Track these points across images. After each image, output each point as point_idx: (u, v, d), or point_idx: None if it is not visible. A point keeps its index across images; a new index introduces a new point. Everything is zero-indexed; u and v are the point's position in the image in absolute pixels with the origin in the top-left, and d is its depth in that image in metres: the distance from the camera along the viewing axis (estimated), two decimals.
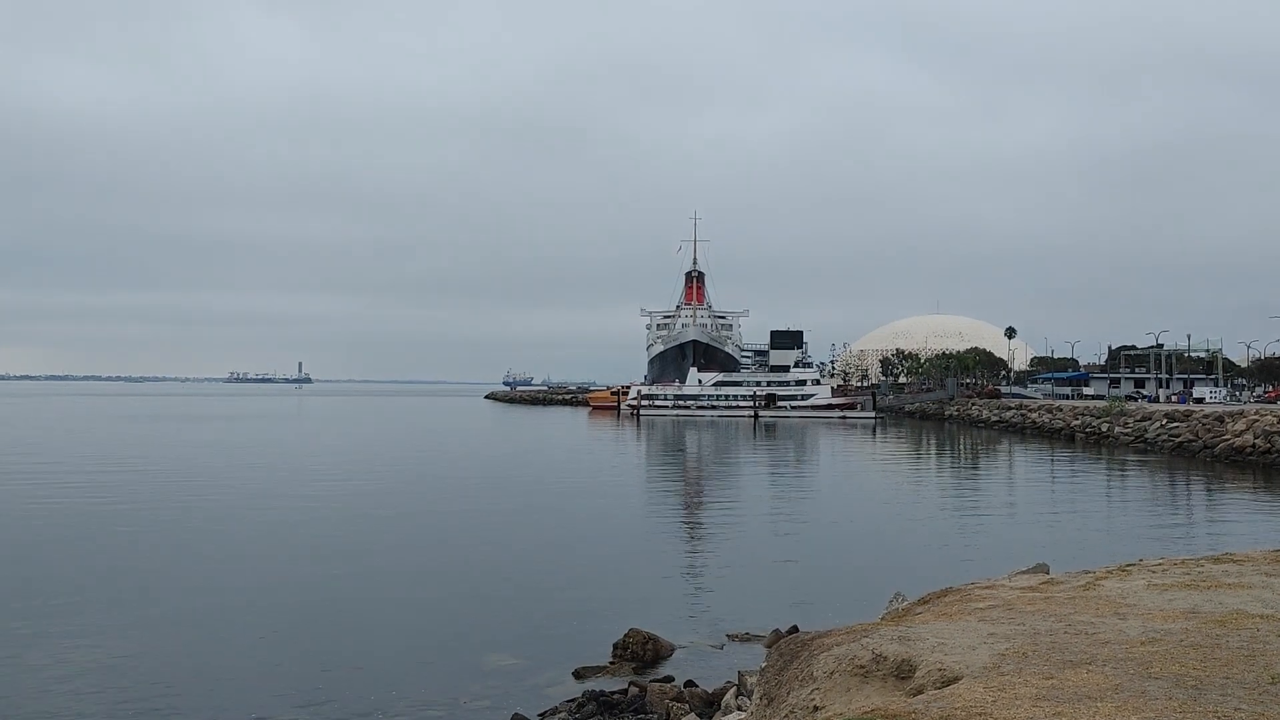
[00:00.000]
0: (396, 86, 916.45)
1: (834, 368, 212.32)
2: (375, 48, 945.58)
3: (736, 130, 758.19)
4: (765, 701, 7.37)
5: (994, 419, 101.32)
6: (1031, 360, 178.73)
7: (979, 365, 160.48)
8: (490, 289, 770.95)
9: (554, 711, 13.29)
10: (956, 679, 5.90)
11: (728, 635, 17.35)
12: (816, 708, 6.41)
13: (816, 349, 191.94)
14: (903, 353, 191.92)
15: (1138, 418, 72.65)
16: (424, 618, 18.71)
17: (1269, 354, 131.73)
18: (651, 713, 12.80)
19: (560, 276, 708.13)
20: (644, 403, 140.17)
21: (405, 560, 24.77)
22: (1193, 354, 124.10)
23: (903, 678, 6.29)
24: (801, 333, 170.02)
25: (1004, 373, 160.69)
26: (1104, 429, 74.51)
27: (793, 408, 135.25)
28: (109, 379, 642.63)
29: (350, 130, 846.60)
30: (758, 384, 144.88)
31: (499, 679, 14.97)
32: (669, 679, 14.33)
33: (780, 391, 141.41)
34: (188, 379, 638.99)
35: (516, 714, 13.19)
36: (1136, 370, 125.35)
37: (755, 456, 66.62)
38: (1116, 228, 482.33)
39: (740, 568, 24.18)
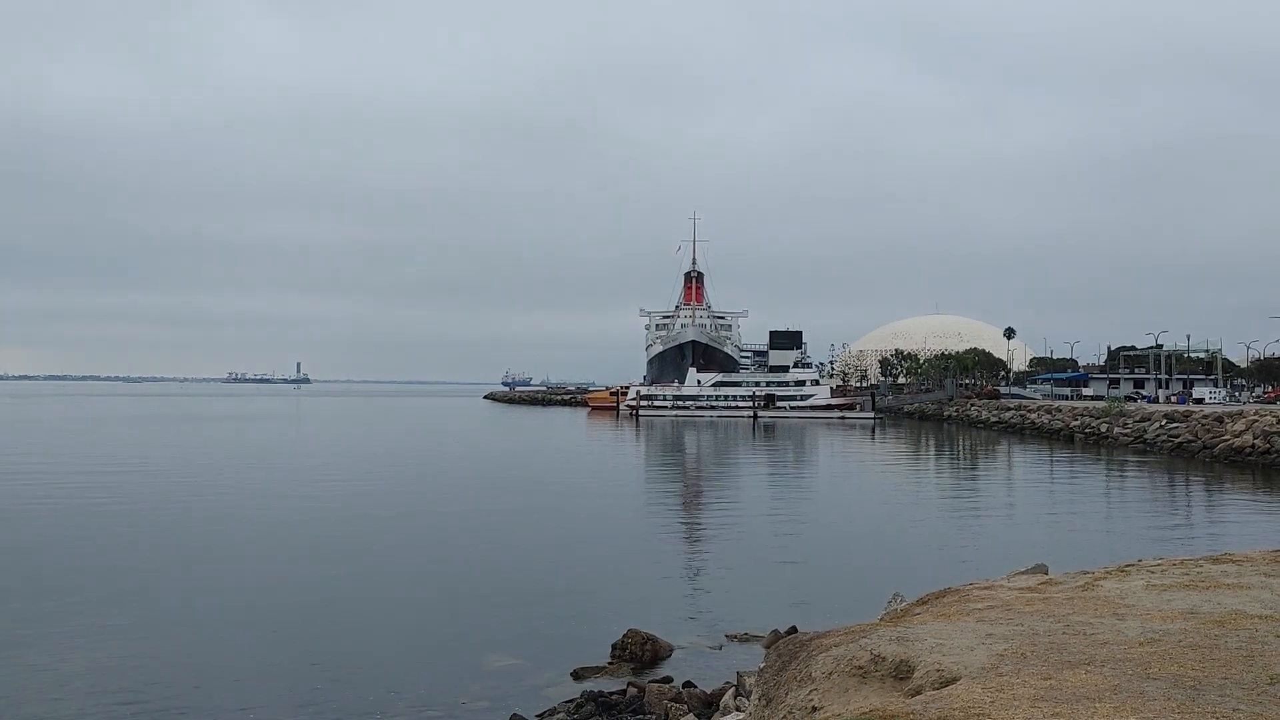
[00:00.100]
0: (396, 86, 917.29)
1: (833, 368, 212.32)
2: (374, 48, 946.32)
3: (736, 131, 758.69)
4: (764, 702, 7.37)
5: (993, 420, 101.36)
6: (1031, 361, 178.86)
7: (978, 366, 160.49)
8: (489, 289, 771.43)
9: (552, 712, 13.29)
10: (955, 679, 5.90)
11: (726, 636, 17.35)
12: (815, 708, 6.41)
13: (815, 349, 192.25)
14: (902, 353, 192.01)
15: (1137, 418, 72.68)
16: (423, 618, 18.71)
17: (1268, 354, 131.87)
18: (650, 713, 12.80)
19: (559, 277, 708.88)
20: (643, 403, 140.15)
21: (404, 560, 24.77)
22: (1192, 354, 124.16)
23: (901, 678, 6.29)
24: (800, 333, 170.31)
25: (1003, 373, 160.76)
26: (1103, 429, 74.53)
27: (792, 408, 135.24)
28: (107, 379, 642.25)
29: (350, 130, 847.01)
30: (757, 384, 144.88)
31: (498, 679, 14.96)
32: (668, 679, 14.32)
33: (779, 392, 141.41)
34: (186, 379, 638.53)
35: (515, 714, 13.18)
36: (1136, 371, 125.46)
37: (754, 457, 66.65)
38: (1116, 228, 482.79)
39: (739, 568, 24.18)
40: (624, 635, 16.11)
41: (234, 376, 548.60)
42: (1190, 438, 61.32)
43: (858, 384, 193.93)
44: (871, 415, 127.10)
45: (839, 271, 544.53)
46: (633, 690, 13.65)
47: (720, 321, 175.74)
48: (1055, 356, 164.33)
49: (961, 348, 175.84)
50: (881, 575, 21.41)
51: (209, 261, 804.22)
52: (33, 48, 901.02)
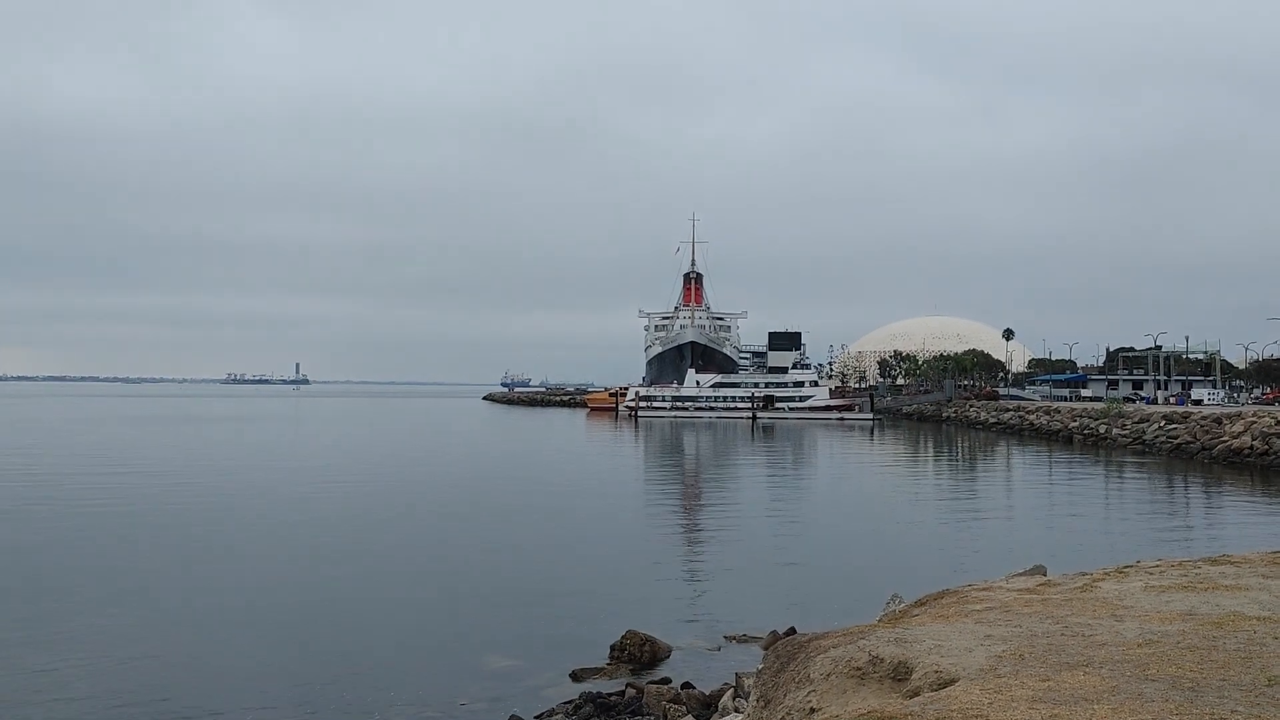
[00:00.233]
0: (396, 86, 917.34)
1: (832, 369, 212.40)
2: (374, 48, 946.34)
3: (736, 131, 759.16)
4: (762, 703, 7.37)
5: (992, 421, 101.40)
6: (1029, 362, 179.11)
7: (977, 367, 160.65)
8: (488, 290, 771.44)
9: (551, 713, 13.28)
10: (953, 681, 5.90)
11: (725, 637, 17.35)
12: (813, 710, 6.40)
13: (815, 350, 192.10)
14: (901, 354, 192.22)
15: (1136, 419, 72.73)
16: (421, 618, 18.71)
17: (1267, 355, 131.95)
18: (649, 714, 12.79)
19: (558, 277, 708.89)
20: (642, 404, 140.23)
21: (402, 561, 24.76)
22: (1191, 356, 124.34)
23: (899, 680, 6.29)
24: (799, 334, 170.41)
25: (1002, 374, 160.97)
26: (1102, 431, 74.58)
27: (790, 409, 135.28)
28: (106, 380, 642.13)
29: (350, 130, 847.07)
30: (756, 385, 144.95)
31: (496, 680, 14.96)
32: (666, 681, 14.32)
33: (778, 393, 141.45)
34: (185, 380, 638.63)
35: (514, 715, 13.18)
36: (1134, 372, 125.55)
37: (753, 458, 66.66)
38: (1115, 229, 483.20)
39: (737, 569, 24.18)
40: (622, 636, 16.11)
41: (233, 377, 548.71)
42: (1189, 439, 61.35)
43: (856, 385, 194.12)
44: (870, 416, 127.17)
45: (838, 272, 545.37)
46: (631, 691, 13.65)
47: (719, 322, 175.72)
48: (1054, 358, 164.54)
49: (960, 349, 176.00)
50: (880, 576, 21.41)
51: (208, 262, 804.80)
52: (33, 48, 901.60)
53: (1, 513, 32.25)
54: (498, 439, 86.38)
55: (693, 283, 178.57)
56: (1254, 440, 54.93)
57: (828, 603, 19.72)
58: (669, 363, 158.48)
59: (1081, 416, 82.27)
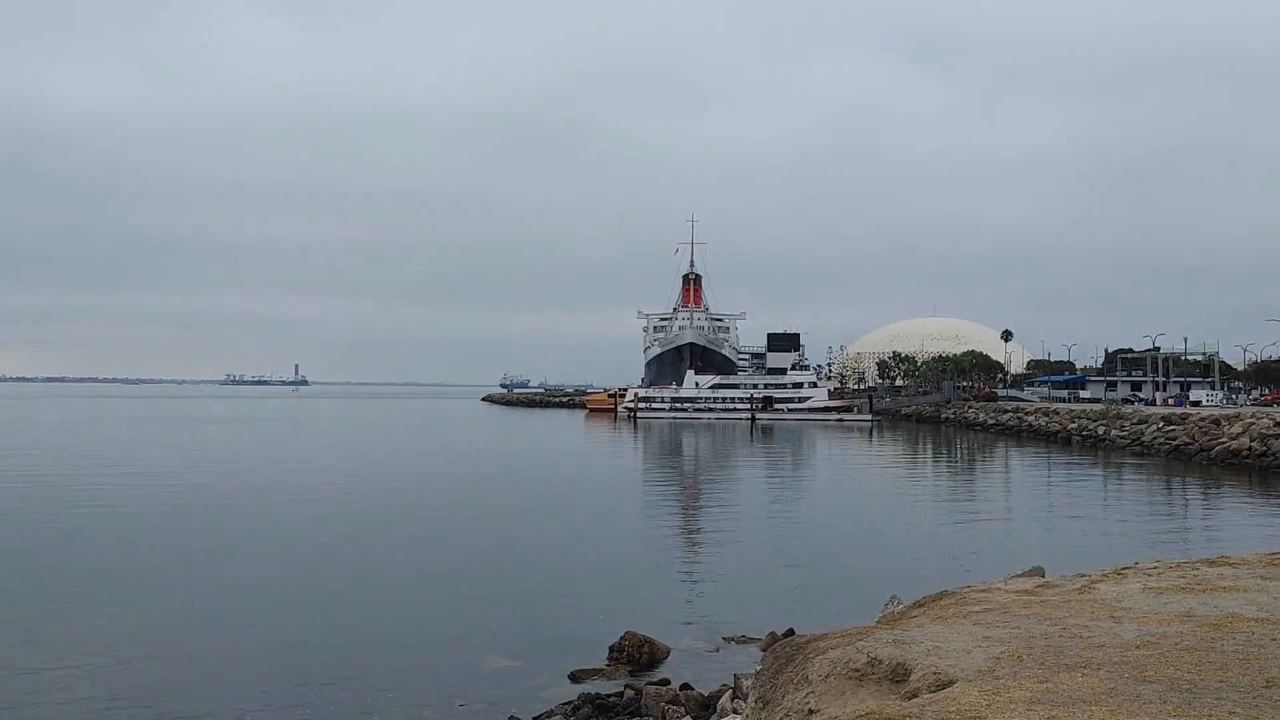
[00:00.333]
0: (395, 86, 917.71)
1: (831, 370, 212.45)
2: (374, 48, 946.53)
3: (735, 132, 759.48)
4: (761, 705, 7.37)
5: (990, 422, 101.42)
6: (1028, 363, 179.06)
7: (976, 368, 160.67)
8: (487, 291, 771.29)
9: (550, 714, 13.28)
10: (951, 682, 5.91)
11: (723, 638, 17.35)
12: (811, 711, 6.41)
13: (813, 351, 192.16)
14: (900, 355, 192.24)
15: (1134, 421, 72.76)
16: (420, 619, 18.70)
17: (1265, 357, 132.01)
18: (647, 716, 12.79)
19: (558, 279, 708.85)
20: (641, 405, 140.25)
21: (401, 561, 24.75)
22: (1189, 357, 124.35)
23: (898, 681, 6.29)
24: (798, 335, 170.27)
25: (1001, 376, 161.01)
26: (1100, 432, 74.60)
27: (789, 410, 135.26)
28: (105, 380, 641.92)
29: (348, 131, 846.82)
30: (754, 386, 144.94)
31: (494, 681, 14.96)
32: (665, 682, 14.32)
33: (777, 394, 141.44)
34: (184, 381, 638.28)
35: (512, 716, 13.19)
36: (1133, 373, 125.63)
37: (752, 459, 66.66)
38: (1114, 230, 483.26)
39: (736, 570, 24.18)
40: (621, 637, 16.11)
41: (232, 378, 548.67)
42: (1187, 440, 61.38)
43: (855, 386, 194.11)
44: (869, 417, 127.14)
45: (837, 273, 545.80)
46: (630, 692, 13.65)
47: (718, 324, 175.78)
48: (1053, 359, 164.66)
49: (959, 350, 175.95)
50: (878, 578, 21.43)
51: (208, 262, 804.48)
52: (33, 48, 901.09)
53: (3, 515, 32.22)
54: (497, 440, 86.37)
55: (692, 284, 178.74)
56: (1252, 442, 54.96)
57: (826, 604, 19.73)
58: (668, 364, 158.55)
59: (1080, 418, 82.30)
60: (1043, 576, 10.83)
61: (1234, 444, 56.00)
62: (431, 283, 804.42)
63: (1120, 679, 5.67)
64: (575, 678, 15.06)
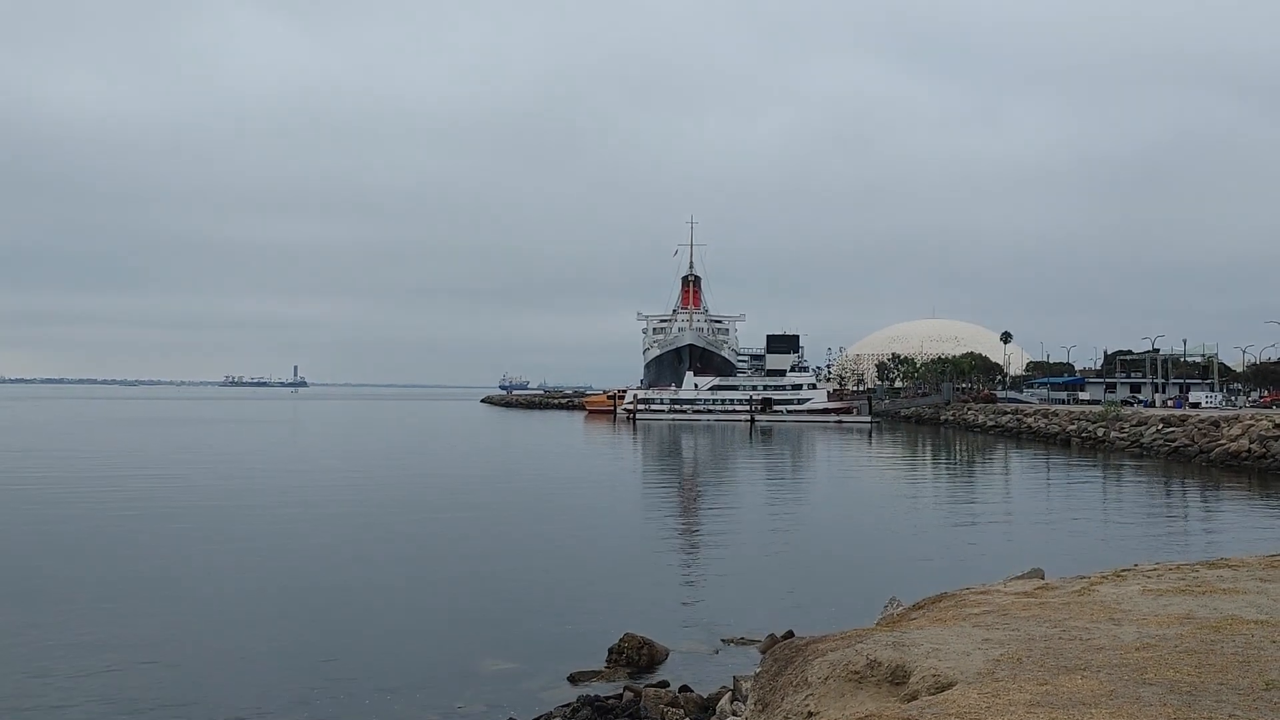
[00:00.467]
0: (393, 89, 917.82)
1: (830, 372, 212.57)
2: (373, 50, 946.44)
3: (735, 134, 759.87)
4: (760, 707, 7.36)
5: (990, 424, 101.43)
6: (1027, 365, 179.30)
7: (975, 370, 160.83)
8: (486, 292, 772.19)
9: (548, 716, 13.25)
10: (951, 685, 5.90)
11: (723, 640, 17.33)
12: (811, 713, 6.40)
13: (813, 353, 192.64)
14: (899, 357, 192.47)
15: (1133, 422, 72.77)
16: (418, 621, 18.67)
17: (1264, 359, 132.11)
18: (646, 718, 12.78)
19: (557, 280, 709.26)
20: (640, 407, 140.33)
21: (399, 564, 24.71)
22: (1188, 359, 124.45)
23: (897, 683, 6.28)
24: (797, 337, 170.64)
25: (1000, 377, 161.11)
26: (1100, 434, 74.61)
27: (789, 412, 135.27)
28: (104, 382, 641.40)
29: (347, 133, 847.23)
30: (754, 388, 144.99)
31: (493, 683, 14.94)
32: (664, 684, 14.30)
33: (776, 396, 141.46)
34: (183, 383, 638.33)
35: (511, 718, 13.16)
36: (1132, 375, 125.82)
37: (751, 461, 66.65)
38: (1113, 232, 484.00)
39: (736, 572, 24.16)
40: (620, 639, 16.09)
41: (231, 380, 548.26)
42: (1186, 442, 61.39)
43: (855, 388, 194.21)
44: (868, 419, 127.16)
45: (837, 274, 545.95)
46: (629, 694, 13.63)
47: (717, 325, 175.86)
48: (1052, 360, 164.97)
49: (958, 352, 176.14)
50: (878, 580, 21.43)
51: (207, 263, 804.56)
52: (33, 48, 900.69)
53: (3, 516, 32.23)
54: (496, 441, 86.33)
55: (691, 285, 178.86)
56: (1251, 443, 54.98)
57: (825, 606, 19.71)
58: (667, 365, 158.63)
59: (1079, 419, 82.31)
60: (1042, 578, 10.82)
61: (1233, 446, 56.02)
62: (431, 284, 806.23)
63: (1120, 681, 5.67)
64: (574, 679, 15.05)
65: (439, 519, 33.06)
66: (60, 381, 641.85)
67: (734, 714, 11.11)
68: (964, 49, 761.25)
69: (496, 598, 20.87)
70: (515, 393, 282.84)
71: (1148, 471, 53.92)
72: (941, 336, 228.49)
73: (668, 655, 16.21)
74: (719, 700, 12.54)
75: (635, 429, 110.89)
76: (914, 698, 5.95)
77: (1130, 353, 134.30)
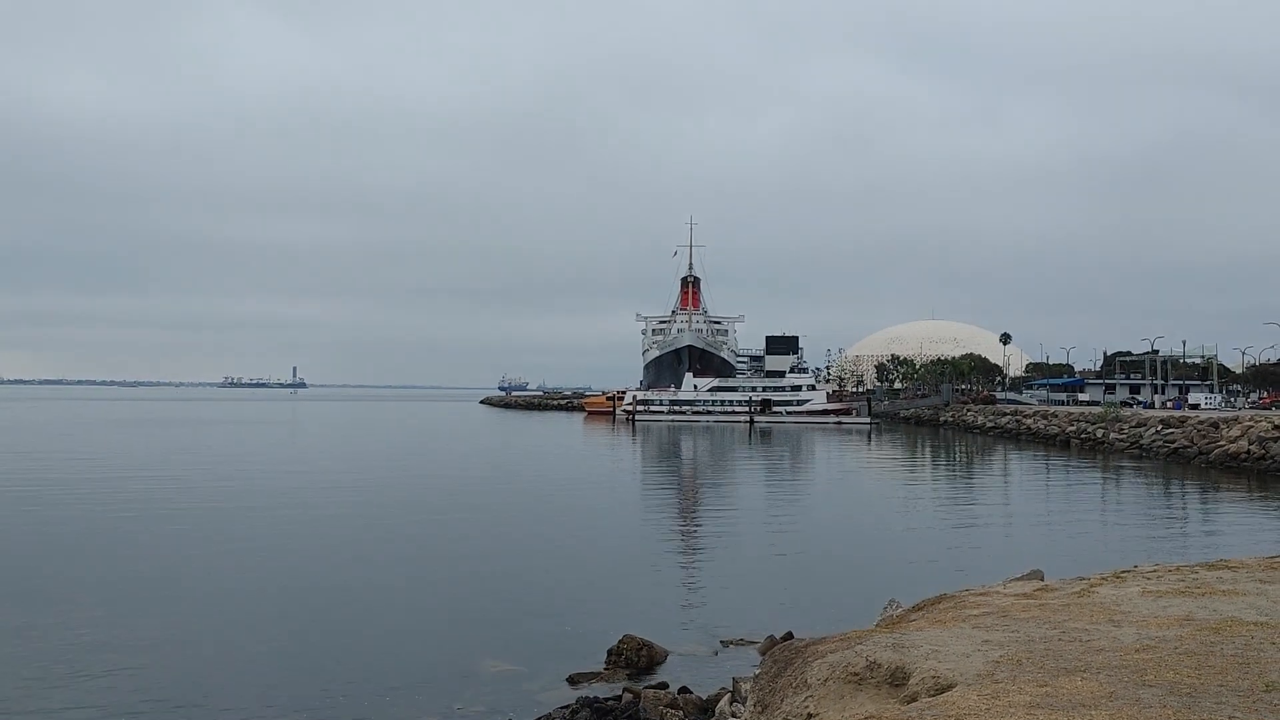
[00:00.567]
0: (393, 89, 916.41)
1: (829, 373, 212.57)
2: (373, 50, 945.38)
3: (734, 134, 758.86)
4: (760, 708, 7.35)
5: (989, 425, 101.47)
6: (1027, 366, 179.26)
7: (974, 371, 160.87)
8: (486, 293, 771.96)
9: (547, 718, 13.25)
10: (950, 686, 5.89)
11: (722, 641, 17.33)
12: (810, 715, 6.39)
13: (812, 354, 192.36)
14: (898, 358, 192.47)
15: (1133, 424, 72.80)
16: (417, 623, 18.67)
17: (1264, 360, 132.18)
18: (645, 719, 12.77)
19: (556, 280, 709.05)
20: (639, 408, 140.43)
21: (399, 565, 24.71)
22: (1188, 360, 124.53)
23: (897, 685, 6.28)
24: (797, 338, 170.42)
25: (999, 379, 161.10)
26: (1099, 435, 74.64)
27: (788, 413, 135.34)
28: (103, 383, 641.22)
29: (347, 133, 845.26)
30: (753, 389, 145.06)
31: (492, 685, 14.93)
32: (663, 685, 14.30)
33: (775, 397, 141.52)
34: (182, 384, 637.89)
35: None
36: (1132, 376, 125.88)
37: (750, 462, 66.66)
38: (1113, 232, 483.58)
39: (735, 573, 24.16)
40: (620, 641, 16.08)
41: (230, 381, 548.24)
42: (1186, 443, 61.43)
43: (854, 389, 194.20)
44: (867, 420, 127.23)
45: (836, 276, 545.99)
46: (628, 696, 13.62)
47: (716, 326, 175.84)
48: (1051, 362, 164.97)
49: (958, 353, 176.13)
50: (877, 581, 21.42)
51: (206, 264, 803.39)
52: (34, 48, 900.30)
53: (4, 518, 32.21)
54: (495, 442, 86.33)
55: (690, 286, 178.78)
56: (1251, 445, 55.01)
57: (825, 607, 19.70)
58: (666, 366, 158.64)
59: (1079, 421, 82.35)
60: (1042, 580, 10.81)
61: (1232, 447, 56.05)
62: (431, 284, 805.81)
63: (1120, 683, 5.66)
64: (573, 681, 15.04)
65: (438, 520, 33.05)
66: (59, 383, 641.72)
67: (733, 715, 11.10)
68: (964, 49, 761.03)
69: (496, 599, 20.87)
70: (514, 394, 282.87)
71: (1147, 473, 53.95)
72: (941, 338, 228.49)
73: (667, 657, 16.20)
74: (718, 702, 12.53)
75: (634, 430, 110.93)
76: (914, 699, 5.95)
77: (1129, 354, 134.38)
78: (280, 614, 19.28)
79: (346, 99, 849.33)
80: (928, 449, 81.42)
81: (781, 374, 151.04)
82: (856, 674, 6.49)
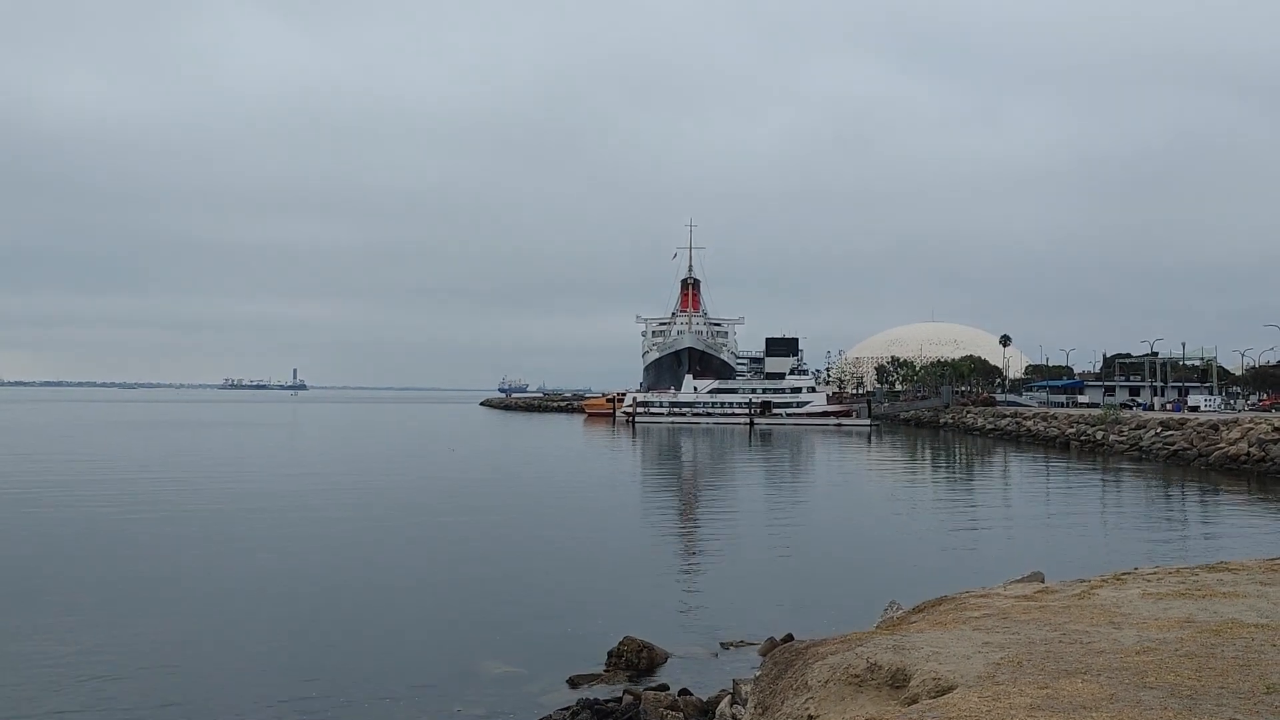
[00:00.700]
0: (393, 89, 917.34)
1: (829, 375, 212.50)
2: (373, 50, 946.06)
3: (735, 134, 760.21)
4: (760, 710, 7.35)
5: (989, 427, 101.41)
6: (1026, 368, 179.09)
7: (974, 373, 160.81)
8: (486, 294, 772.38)
9: None
10: (951, 688, 5.89)
11: (722, 643, 17.33)
12: (811, 717, 6.39)
13: (812, 356, 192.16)
14: (898, 360, 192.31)
15: (1133, 426, 72.77)
16: (417, 625, 18.66)
17: (1263, 362, 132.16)
18: None
19: (557, 281, 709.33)
20: (639, 410, 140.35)
21: (399, 567, 24.70)
22: (1187, 362, 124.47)
23: (897, 687, 6.28)
24: (797, 340, 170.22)
25: (999, 380, 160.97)
26: (1099, 437, 74.63)
27: (788, 415, 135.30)
28: (103, 385, 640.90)
29: (347, 133, 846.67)
30: (753, 391, 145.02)
31: (493, 687, 14.93)
32: (664, 687, 14.30)
33: (775, 399, 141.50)
34: (182, 385, 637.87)
35: None
36: (1131, 378, 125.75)
37: (750, 464, 66.63)
38: (1113, 232, 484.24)
39: (735, 575, 24.16)
40: (620, 642, 16.08)
41: (230, 383, 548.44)
42: (1185, 445, 61.41)
43: (854, 391, 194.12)
44: (867, 422, 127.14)
45: (835, 277, 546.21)
46: (628, 698, 13.62)
47: (716, 328, 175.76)
48: (1051, 364, 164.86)
49: (958, 355, 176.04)
50: (878, 583, 21.42)
51: (206, 265, 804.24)
52: (34, 48, 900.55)
53: (4, 518, 32.20)
54: (495, 444, 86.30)
55: (690, 288, 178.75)
56: (1250, 447, 54.99)
57: (825, 609, 19.69)
58: (666, 368, 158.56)
59: (1079, 423, 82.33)
60: (1042, 582, 10.81)
61: (1232, 449, 56.04)
62: (431, 284, 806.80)
63: (1121, 685, 5.66)
64: (574, 683, 15.04)
65: (438, 522, 33.05)
66: (59, 384, 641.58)
67: (734, 717, 11.09)
68: (964, 49, 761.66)
69: (496, 600, 20.86)
70: (514, 396, 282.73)
71: (1147, 475, 53.92)
72: (941, 339, 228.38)
73: (667, 658, 16.20)
74: (719, 703, 12.53)
75: (634, 432, 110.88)
76: (914, 701, 5.95)
77: (1129, 356, 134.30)
78: (281, 615, 19.27)
79: (346, 99, 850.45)
80: (928, 451, 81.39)
81: (781, 376, 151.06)
82: (857, 676, 6.49)
